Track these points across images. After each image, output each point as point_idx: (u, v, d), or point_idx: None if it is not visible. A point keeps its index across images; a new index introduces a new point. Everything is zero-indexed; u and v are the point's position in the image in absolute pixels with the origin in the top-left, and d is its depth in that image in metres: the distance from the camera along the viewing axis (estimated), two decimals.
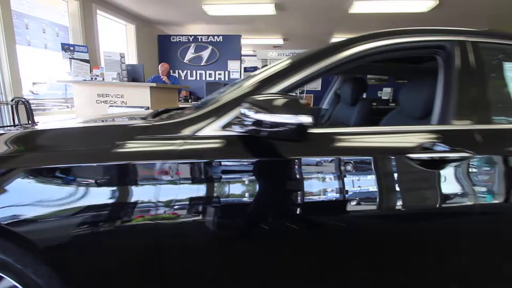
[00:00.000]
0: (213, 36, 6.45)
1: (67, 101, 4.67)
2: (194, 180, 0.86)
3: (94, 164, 0.84)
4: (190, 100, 6.31)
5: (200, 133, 0.89)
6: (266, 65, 7.07)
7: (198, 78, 6.67)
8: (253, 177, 0.89)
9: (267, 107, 0.80)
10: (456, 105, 1.02)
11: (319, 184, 0.90)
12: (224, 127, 0.90)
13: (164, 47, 6.75)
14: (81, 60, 3.92)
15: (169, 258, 0.86)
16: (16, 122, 2.98)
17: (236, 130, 0.89)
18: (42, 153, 0.90)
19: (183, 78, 6.67)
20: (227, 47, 6.43)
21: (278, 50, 7.34)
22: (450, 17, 5.26)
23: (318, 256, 0.93)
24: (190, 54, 6.63)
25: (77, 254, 0.84)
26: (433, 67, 1.23)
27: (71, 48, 4.01)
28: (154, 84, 3.66)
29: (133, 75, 4.07)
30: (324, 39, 7.51)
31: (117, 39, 5.77)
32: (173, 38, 6.69)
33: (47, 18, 4.05)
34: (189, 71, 6.70)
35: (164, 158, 0.85)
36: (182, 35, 6.66)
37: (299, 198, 0.91)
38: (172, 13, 5.69)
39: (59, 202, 0.81)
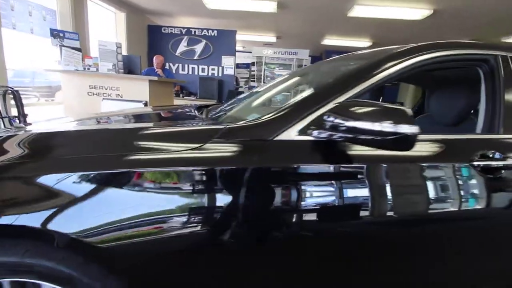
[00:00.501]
0: (207, 30, 6.27)
1: (37, 90, 4.33)
2: (282, 184, 0.84)
3: (176, 169, 0.78)
4: (181, 95, 6.11)
5: (279, 138, 0.85)
6: (261, 63, 6.98)
7: (190, 72, 6.47)
8: (345, 182, 0.88)
9: (365, 115, 0.77)
10: (503, 115, 1.06)
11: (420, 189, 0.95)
12: (300, 131, 0.86)
13: (154, 38, 6.46)
14: (72, 48, 3.64)
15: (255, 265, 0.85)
16: (4, 114, 2.70)
17: (315, 136, 0.85)
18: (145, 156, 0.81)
19: (174, 71, 6.44)
20: (221, 42, 6.28)
21: (272, 48, 7.30)
22: (443, 26, 5.51)
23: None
24: (182, 47, 6.41)
25: (150, 264, 0.77)
26: (458, 76, 1.30)
27: (61, 35, 3.71)
28: (156, 78, 3.49)
29: (128, 67, 3.85)
30: (315, 39, 7.58)
31: (106, 27, 5.43)
32: (164, 29, 6.42)
33: (33, 0, 3.71)
34: (180, 65, 6.47)
35: (246, 163, 0.80)
36: (174, 27, 6.41)
37: (400, 202, 0.93)
38: (167, 3, 5.45)
39: (136, 209, 0.74)
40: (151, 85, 3.60)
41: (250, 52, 7.37)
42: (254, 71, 7.09)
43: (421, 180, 0.95)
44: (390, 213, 0.91)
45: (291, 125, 0.86)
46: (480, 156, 0.99)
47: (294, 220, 0.85)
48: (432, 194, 0.95)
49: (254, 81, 7.02)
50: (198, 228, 0.77)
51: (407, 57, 1.01)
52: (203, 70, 6.41)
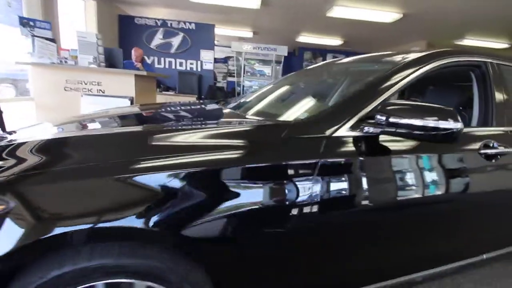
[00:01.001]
0: (185, 22, 6.08)
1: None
2: (349, 175, 0.94)
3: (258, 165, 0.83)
4: (158, 90, 5.88)
5: (337, 134, 0.94)
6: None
7: (167, 66, 6.24)
8: (398, 171, 1.04)
9: (419, 113, 0.90)
10: (495, 111, 1.32)
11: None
12: (352, 127, 0.96)
13: (126, 29, 6.10)
14: (46, 39, 3.33)
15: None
16: None
17: (365, 131, 0.96)
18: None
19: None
20: (200, 35, 6.14)
21: (252, 43, 7.31)
22: (412, 29, 6.00)
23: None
24: (157, 40, 6.15)
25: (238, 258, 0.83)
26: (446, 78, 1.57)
27: (31, 24, 3.37)
28: (144, 73, 3.35)
29: (109, 60, 3.64)
30: (291, 36, 7.76)
31: (75, 17, 5.01)
32: (137, 20, 6.10)
33: None
34: (156, 58, 6.22)
35: (316, 157, 0.89)
36: (148, 18, 6.11)
37: (444, 185, 1.11)
38: None
39: (227, 204, 0.79)
40: (136, 80, 3.46)
41: (229, 47, 7.30)
42: (233, 66, 7.06)
43: (456, 167, 1.18)
44: (439, 193, 1.11)
45: (345, 122, 0.96)
46: (484, 145, 1.21)
47: (362, 205, 0.96)
48: (463, 178, 1.18)
49: (234, 76, 7.00)
50: (289, 218, 0.84)
51: (428, 62, 1.18)
52: (181, 64, 6.23)
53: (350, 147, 0.95)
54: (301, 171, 0.87)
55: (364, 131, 0.96)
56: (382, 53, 1.54)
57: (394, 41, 7.61)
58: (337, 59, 1.73)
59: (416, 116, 0.89)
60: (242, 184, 0.81)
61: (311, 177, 0.86)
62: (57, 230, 0.66)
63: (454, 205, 1.18)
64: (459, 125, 0.89)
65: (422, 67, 1.15)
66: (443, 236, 1.20)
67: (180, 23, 6.08)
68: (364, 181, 0.95)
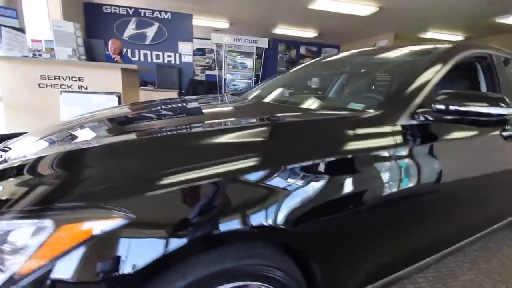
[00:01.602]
0: (160, 12, 5.73)
1: None
2: (421, 160, 1.01)
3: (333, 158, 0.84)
4: None
5: (399, 123, 0.99)
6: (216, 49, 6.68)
7: (142, 59, 5.86)
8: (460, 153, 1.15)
9: (477, 101, 0.99)
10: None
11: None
12: (410, 116, 1.02)
13: (93, 18, 5.59)
14: (13, 28, 2.93)
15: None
16: None
17: (420, 120, 1.02)
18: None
19: None
20: (177, 26, 5.84)
21: (230, 35, 7.12)
22: (383, 22, 6.30)
23: None
24: (130, 30, 5.73)
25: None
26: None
27: None
28: (135, 67, 3.12)
29: (89, 53, 3.31)
30: (267, 28, 7.72)
31: (37, 4, 4.45)
32: (106, 8, 5.60)
33: None
34: (130, 50, 5.80)
35: (393, 145, 0.93)
36: (118, 6, 5.65)
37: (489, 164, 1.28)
38: None
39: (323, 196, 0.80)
40: (123, 75, 3.22)
41: (205, 39, 7.04)
42: (211, 58, 6.84)
43: (496, 147, 1.33)
44: (492, 170, 1.28)
45: (406, 111, 1.01)
46: (502, 129, 1.34)
47: (432, 185, 1.04)
48: (500, 156, 1.36)
49: (214, 69, 6.79)
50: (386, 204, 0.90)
51: (457, 54, 1.28)
52: (157, 56, 5.89)
53: (415, 134, 1.01)
54: (384, 156, 0.91)
55: (421, 119, 1.01)
56: (407, 46, 1.62)
57: (365, 33, 7.95)
58: (357, 50, 1.75)
59: (473, 104, 0.97)
60: (340, 175, 0.82)
61: (389, 163, 0.91)
62: (181, 242, 0.60)
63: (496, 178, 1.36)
64: (511, 110, 0.98)
65: (453, 58, 1.24)
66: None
67: (155, 13, 5.72)
68: (433, 164, 1.03)
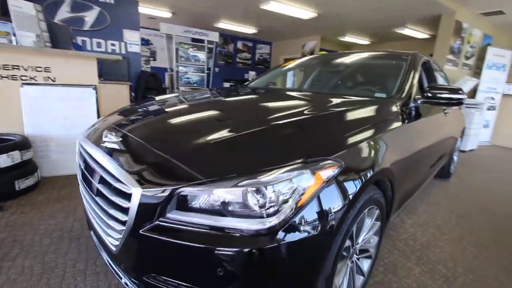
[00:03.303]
0: None
1: None
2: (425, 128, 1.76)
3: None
4: None
5: (413, 105, 1.62)
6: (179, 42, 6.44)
7: (80, 46, 5.17)
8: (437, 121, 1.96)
9: (448, 91, 1.63)
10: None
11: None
12: (413, 101, 1.64)
13: None
14: None
15: None
16: None
17: (416, 103, 1.64)
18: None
19: None
20: (121, 12, 5.36)
21: (181, 26, 6.82)
22: (314, 26, 7.21)
23: None
24: (64, 13, 4.97)
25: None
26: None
27: None
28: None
29: (54, 40, 2.92)
30: (210, 21, 7.75)
31: None
32: None
33: None
34: None
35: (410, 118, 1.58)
36: None
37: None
38: None
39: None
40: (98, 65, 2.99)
41: (148, 28, 6.60)
42: (154, 49, 6.46)
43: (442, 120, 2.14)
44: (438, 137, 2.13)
45: (412, 96, 1.63)
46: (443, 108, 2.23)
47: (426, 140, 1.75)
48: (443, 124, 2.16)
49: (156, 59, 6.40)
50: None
51: (421, 58, 2.02)
52: (99, 44, 5.30)
53: (419, 111, 1.67)
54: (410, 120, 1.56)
55: (418, 102, 1.64)
56: (391, 51, 2.25)
57: (296, 34, 8.89)
58: (361, 55, 2.30)
59: (445, 92, 1.62)
60: (402, 133, 1.42)
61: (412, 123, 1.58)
62: (364, 178, 1.00)
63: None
64: (464, 95, 1.66)
65: (421, 62, 1.97)
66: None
67: None
68: (427, 128, 1.77)
